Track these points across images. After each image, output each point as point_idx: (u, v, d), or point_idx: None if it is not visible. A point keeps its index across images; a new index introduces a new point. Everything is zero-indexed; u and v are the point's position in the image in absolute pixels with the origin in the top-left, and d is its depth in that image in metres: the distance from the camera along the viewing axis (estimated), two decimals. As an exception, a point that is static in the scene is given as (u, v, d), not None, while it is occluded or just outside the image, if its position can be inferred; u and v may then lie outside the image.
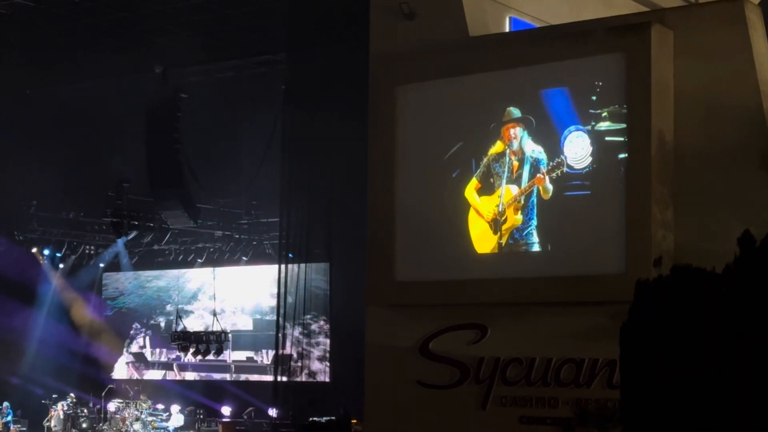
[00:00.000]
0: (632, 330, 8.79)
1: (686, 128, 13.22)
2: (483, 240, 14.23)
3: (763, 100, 12.84)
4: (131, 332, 32.81)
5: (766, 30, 13.28)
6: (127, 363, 32.78)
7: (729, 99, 12.97)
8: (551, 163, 13.62)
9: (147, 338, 32.60)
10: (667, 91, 13.23)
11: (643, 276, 9.15)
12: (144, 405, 28.58)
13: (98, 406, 29.66)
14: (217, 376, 30.97)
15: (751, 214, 11.95)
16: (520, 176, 13.92)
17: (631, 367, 8.82)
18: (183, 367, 31.55)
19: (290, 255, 23.00)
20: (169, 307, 32.17)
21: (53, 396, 29.46)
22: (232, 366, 30.88)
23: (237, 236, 30.43)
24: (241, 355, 30.87)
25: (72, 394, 29.54)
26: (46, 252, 31.17)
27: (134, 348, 32.79)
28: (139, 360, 32.72)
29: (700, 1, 17.61)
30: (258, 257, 30.03)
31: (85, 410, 29.55)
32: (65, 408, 29.04)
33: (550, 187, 13.66)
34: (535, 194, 13.78)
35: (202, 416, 28.88)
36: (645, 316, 8.73)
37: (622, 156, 13.16)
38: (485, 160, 14.19)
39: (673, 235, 13.06)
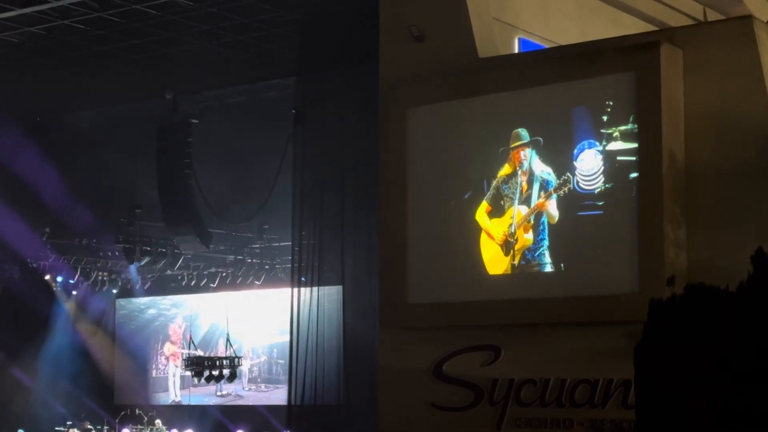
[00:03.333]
0: (646, 349, 8.75)
1: (697, 146, 13.20)
2: (495, 261, 14.19)
3: (774, 117, 12.83)
4: (149, 356, 32.81)
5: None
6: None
7: (740, 116, 12.95)
8: (558, 181, 13.62)
9: (161, 358, 32.62)
10: (678, 109, 13.22)
11: (657, 295, 9.12)
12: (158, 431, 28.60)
13: (113, 432, 29.70)
14: (231, 400, 30.93)
15: (764, 232, 11.91)
16: (529, 196, 13.90)
17: (645, 387, 8.78)
18: (197, 391, 31.51)
19: (302, 278, 22.96)
20: (184, 332, 32.17)
21: (67, 423, 29.47)
22: (247, 390, 30.85)
23: (249, 260, 30.43)
24: (255, 379, 30.86)
25: (87, 421, 29.55)
26: (59, 279, 31.21)
27: (155, 373, 32.78)
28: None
29: (709, 20, 17.65)
30: (270, 281, 30.02)
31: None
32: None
33: (556, 213, 13.64)
34: (545, 214, 13.77)
35: (216, 441, 28.92)
36: (659, 336, 8.70)
37: (633, 175, 13.14)
38: (495, 182, 14.18)
39: (686, 253, 13.02)
